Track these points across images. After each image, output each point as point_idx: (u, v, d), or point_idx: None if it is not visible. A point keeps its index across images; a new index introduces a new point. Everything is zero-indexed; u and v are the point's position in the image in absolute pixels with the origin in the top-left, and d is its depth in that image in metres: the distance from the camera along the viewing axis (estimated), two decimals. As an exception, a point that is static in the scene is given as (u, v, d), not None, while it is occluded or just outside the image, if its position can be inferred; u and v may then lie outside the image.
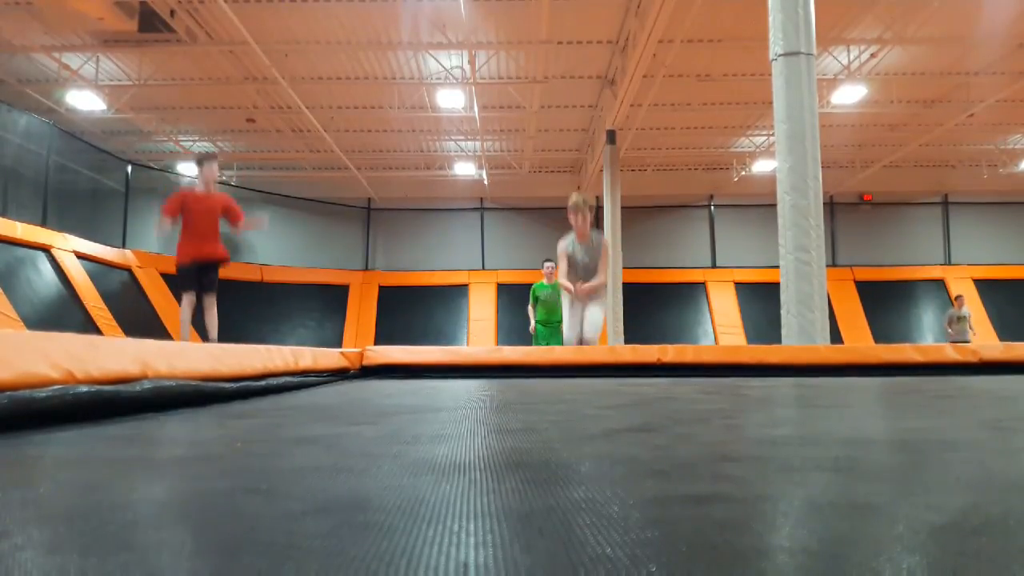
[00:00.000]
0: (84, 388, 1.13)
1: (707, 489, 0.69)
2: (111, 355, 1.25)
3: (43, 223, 11.56)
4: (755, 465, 0.86)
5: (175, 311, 13.30)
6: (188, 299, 7.23)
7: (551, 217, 18.50)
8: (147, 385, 1.29)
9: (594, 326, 5.69)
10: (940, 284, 17.14)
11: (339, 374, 2.88)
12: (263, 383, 1.86)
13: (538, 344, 8.94)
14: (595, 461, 0.89)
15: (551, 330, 9.17)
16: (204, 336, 7.47)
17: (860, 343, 15.11)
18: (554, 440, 1.09)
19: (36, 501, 0.64)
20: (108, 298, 11.71)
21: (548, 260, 9.47)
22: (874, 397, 2.03)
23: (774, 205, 5.67)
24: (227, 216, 7.47)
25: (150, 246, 14.47)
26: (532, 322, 9.31)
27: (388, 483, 0.72)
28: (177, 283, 7.36)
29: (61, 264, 11.08)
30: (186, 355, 1.56)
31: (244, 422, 1.33)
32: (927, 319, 16.81)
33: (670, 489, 0.70)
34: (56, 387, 1.08)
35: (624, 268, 13.71)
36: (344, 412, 1.56)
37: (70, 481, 0.76)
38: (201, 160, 7.43)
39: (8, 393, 1.00)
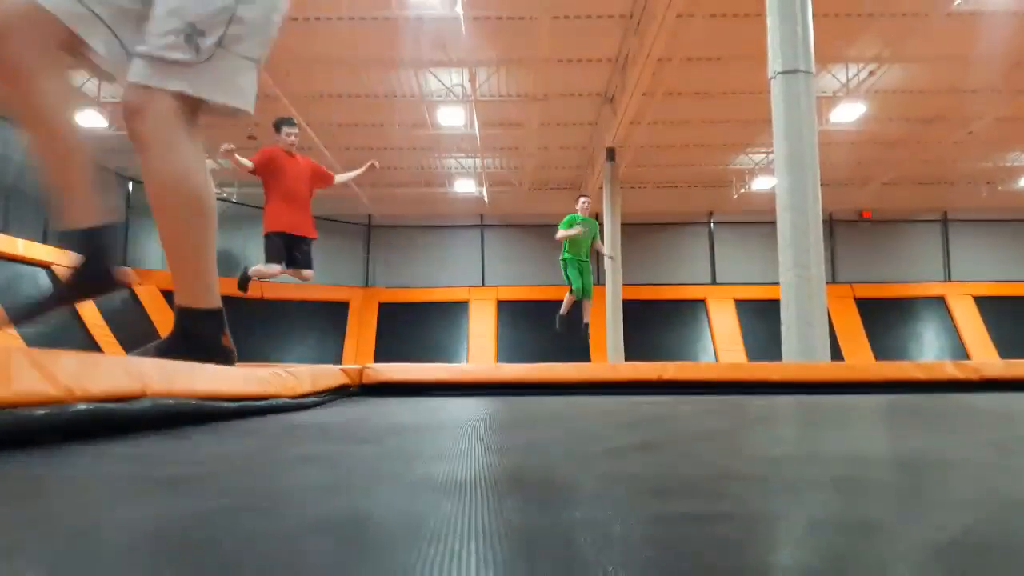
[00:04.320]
0: (83, 406, 1.13)
1: (709, 507, 0.69)
2: (110, 373, 1.25)
3: (44, 240, 11.58)
4: (757, 483, 0.86)
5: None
6: (270, 271, 6.57)
7: (551, 234, 18.59)
8: (146, 403, 1.29)
9: None
10: (940, 301, 17.15)
11: (339, 392, 2.88)
12: (263, 403, 1.86)
13: (571, 279, 9.07)
14: (596, 479, 0.89)
15: (582, 266, 9.35)
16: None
17: (861, 360, 15.09)
18: (555, 458, 1.08)
19: (34, 520, 0.64)
20: (108, 315, 11.72)
21: (583, 195, 9.70)
22: (875, 415, 2.03)
23: (774, 222, 5.69)
24: (319, 180, 6.79)
25: (150, 263, 14.48)
26: (563, 233, 9.34)
27: (389, 501, 0.72)
28: (265, 251, 6.66)
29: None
30: (186, 374, 1.55)
31: (244, 440, 1.32)
32: (928, 336, 16.80)
33: (672, 508, 0.69)
34: (54, 405, 1.08)
35: (624, 285, 13.72)
36: (344, 430, 1.55)
37: (68, 500, 0.76)
38: (279, 124, 6.69)
39: (6, 411, 1.00)
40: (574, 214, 9.43)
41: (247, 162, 6.42)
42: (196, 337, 2.06)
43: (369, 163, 7.07)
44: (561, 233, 9.34)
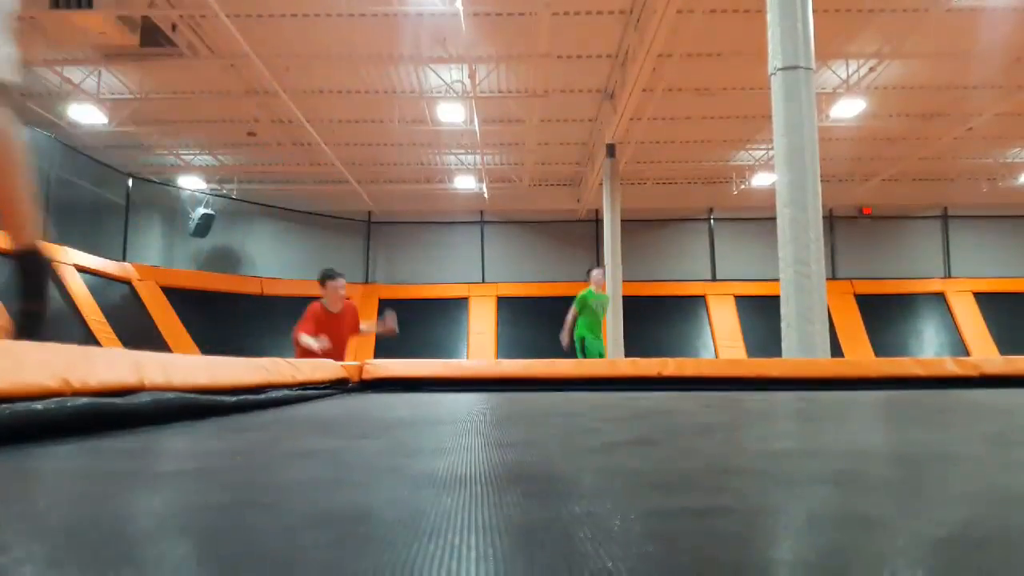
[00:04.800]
0: (82, 400, 1.13)
1: (708, 502, 0.69)
2: (109, 366, 1.25)
3: (43, 236, 11.55)
4: (756, 478, 0.86)
5: (175, 324, 13.30)
6: None
7: (551, 230, 18.59)
8: (145, 398, 1.29)
9: None
10: (940, 297, 17.13)
11: (338, 386, 2.88)
12: (263, 396, 1.86)
13: (590, 355, 8.74)
14: (595, 474, 0.89)
15: (599, 341, 8.95)
16: None
17: (861, 356, 15.09)
18: (554, 453, 1.08)
19: (35, 515, 0.64)
20: (108, 311, 11.70)
21: (596, 267, 9.30)
22: (875, 410, 2.03)
23: (774, 218, 5.67)
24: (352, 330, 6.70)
25: (150, 259, 14.48)
26: (566, 334, 8.84)
27: (388, 496, 0.72)
28: None
29: (61, 278, 11.07)
30: (184, 367, 1.55)
31: (243, 435, 1.32)
32: (928, 332, 16.79)
33: (671, 502, 0.69)
34: (54, 399, 1.08)
35: (624, 281, 13.70)
36: (344, 425, 1.56)
37: (69, 495, 0.76)
38: (324, 279, 6.40)
39: (6, 405, 1.00)
40: (587, 292, 8.84)
41: (314, 344, 6.16)
42: (42, 269, 2.02)
43: (388, 317, 6.65)
44: (568, 319, 8.82)
